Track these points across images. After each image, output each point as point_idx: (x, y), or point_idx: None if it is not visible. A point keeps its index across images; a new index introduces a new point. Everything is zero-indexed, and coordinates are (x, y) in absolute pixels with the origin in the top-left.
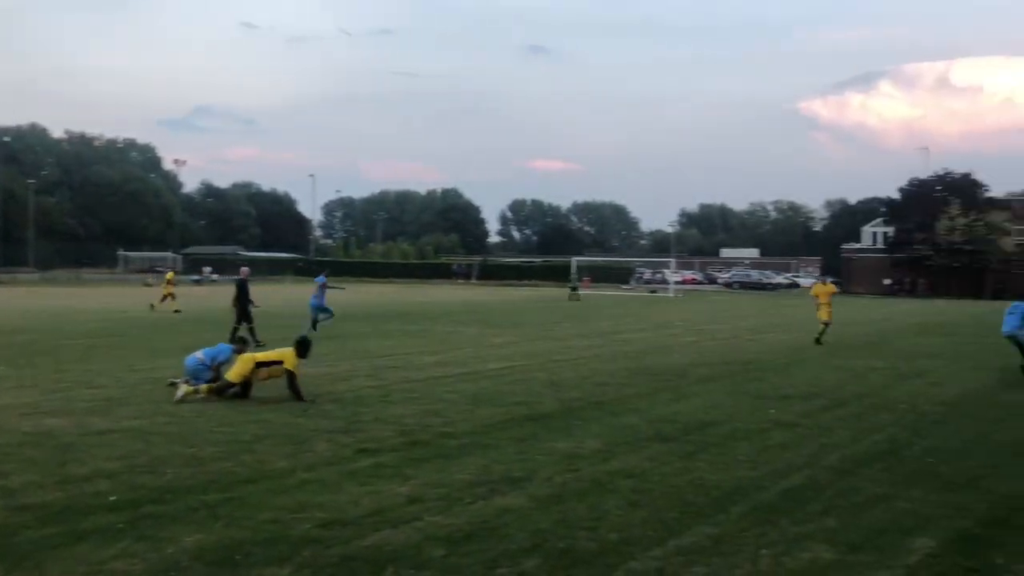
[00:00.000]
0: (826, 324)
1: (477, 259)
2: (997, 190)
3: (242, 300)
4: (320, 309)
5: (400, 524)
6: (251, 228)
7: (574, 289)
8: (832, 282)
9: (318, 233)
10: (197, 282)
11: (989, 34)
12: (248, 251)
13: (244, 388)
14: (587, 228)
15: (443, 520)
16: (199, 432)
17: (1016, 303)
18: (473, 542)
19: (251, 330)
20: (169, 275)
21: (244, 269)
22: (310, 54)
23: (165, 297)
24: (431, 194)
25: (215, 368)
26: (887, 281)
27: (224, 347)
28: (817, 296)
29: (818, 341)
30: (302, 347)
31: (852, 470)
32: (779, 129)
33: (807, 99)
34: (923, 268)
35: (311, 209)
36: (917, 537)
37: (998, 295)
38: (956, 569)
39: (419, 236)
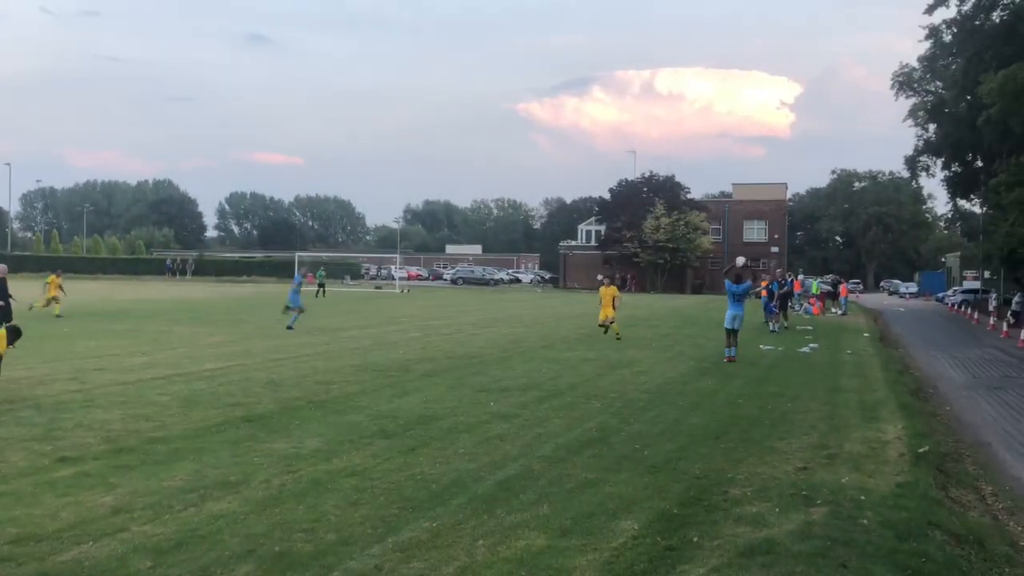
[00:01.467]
0: (611, 320)
1: (192, 254)
2: (696, 192)
3: None
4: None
5: (103, 536)
6: None
7: (321, 285)
8: (611, 283)
9: (16, 226)
10: None
11: (690, 46)
12: None
13: None
14: (311, 223)
15: (151, 530)
16: None
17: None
18: (183, 551)
19: None
20: None
21: None
22: (7, 33)
23: None
24: (142, 185)
25: None
26: (600, 277)
27: None
28: (603, 297)
29: (617, 336)
30: (13, 334)
31: (565, 458)
32: (500, 128)
33: (525, 100)
34: (632, 264)
35: (6, 199)
36: (622, 519)
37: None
38: (656, 548)
39: (129, 229)
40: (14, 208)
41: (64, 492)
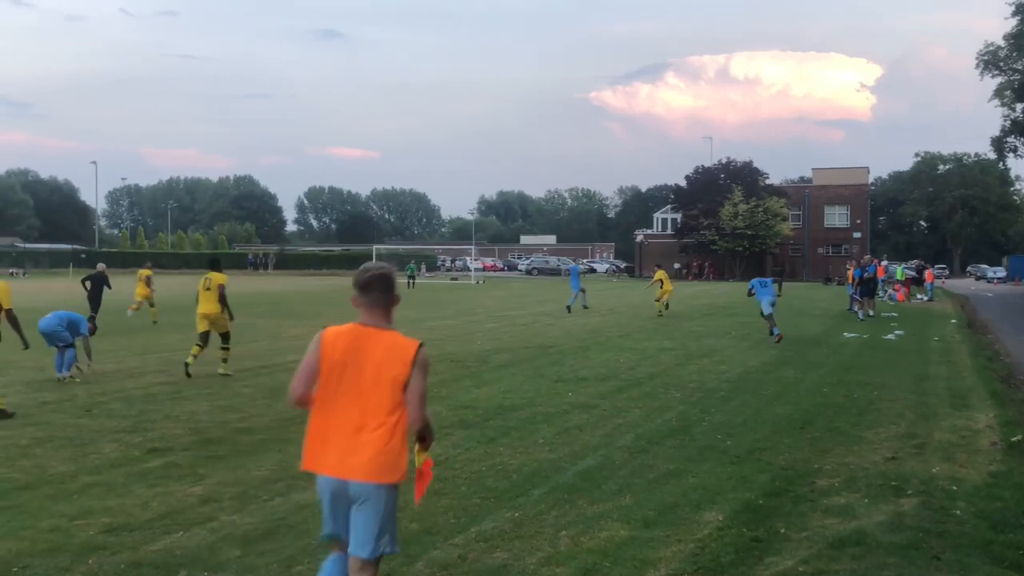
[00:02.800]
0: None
1: (273, 248)
2: (775, 177)
3: None
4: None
5: (192, 526)
6: (29, 219)
7: (411, 277)
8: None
9: (103, 223)
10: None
11: (765, 29)
12: (25, 243)
13: None
14: (387, 216)
15: (239, 519)
16: None
17: (760, 279)
18: (270, 540)
19: None
20: None
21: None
22: (88, 34)
23: None
24: (223, 182)
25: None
26: (676, 265)
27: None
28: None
29: (659, 313)
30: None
31: (645, 448)
32: (572, 117)
33: (598, 89)
34: (709, 252)
35: (94, 198)
36: (706, 511)
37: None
38: (743, 539)
39: (212, 225)
40: (101, 205)
41: (154, 483)
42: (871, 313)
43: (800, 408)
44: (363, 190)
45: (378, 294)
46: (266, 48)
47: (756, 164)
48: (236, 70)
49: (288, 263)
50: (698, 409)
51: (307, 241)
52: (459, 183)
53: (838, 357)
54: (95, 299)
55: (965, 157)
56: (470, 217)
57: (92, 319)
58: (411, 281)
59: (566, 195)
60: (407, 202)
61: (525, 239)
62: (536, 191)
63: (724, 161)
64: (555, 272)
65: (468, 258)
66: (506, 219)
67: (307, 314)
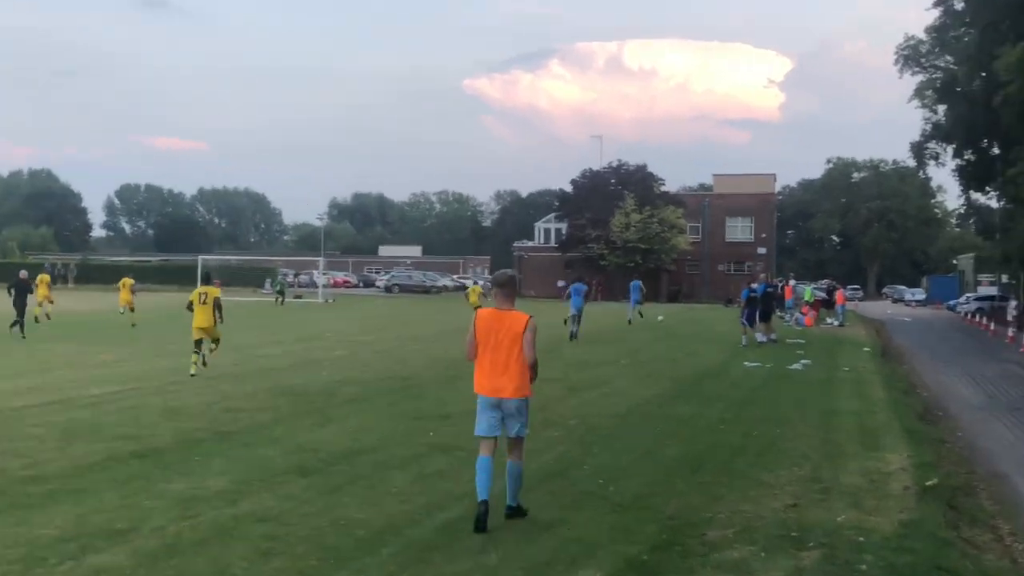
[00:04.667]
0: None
1: (75, 257)
2: (672, 183)
3: None
4: None
5: None
6: None
7: (280, 293)
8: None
9: None
10: None
11: (662, 14)
12: None
13: None
14: (217, 220)
15: None
16: None
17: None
18: None
19: None
20: None
21: None
22: None
23: None
24: (15, 177)
25: None
26: (561, 283)
27: None
28: None
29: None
30: None
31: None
32: (443, 109)
33: (472, 75)
34: (598, 268)
35: None
36: (583, 568)
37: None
38: None
39: (0, 229)
40: None
41: None
42: (774, 337)
43: (693, 448)
44: (188, 189)
45: (508, 289)
46: (73, 16)
47: (651, 168)
48: (35, 41)
49: (93, 275)
50: (579, 450)
51: (118, 249)
52: (307, 183)
53: (738, 390)
54: (19, 305)
55: (882, 164)
56: (319, 223)
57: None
58: (280, 298)
59: (434, 199)
60: (242, 204)
61: (385, 250)
62: (399, 194)
63: (615, 164)
64: (422, 290)
65: (315, 272)
66: (363, 226)
67: (118, 337)
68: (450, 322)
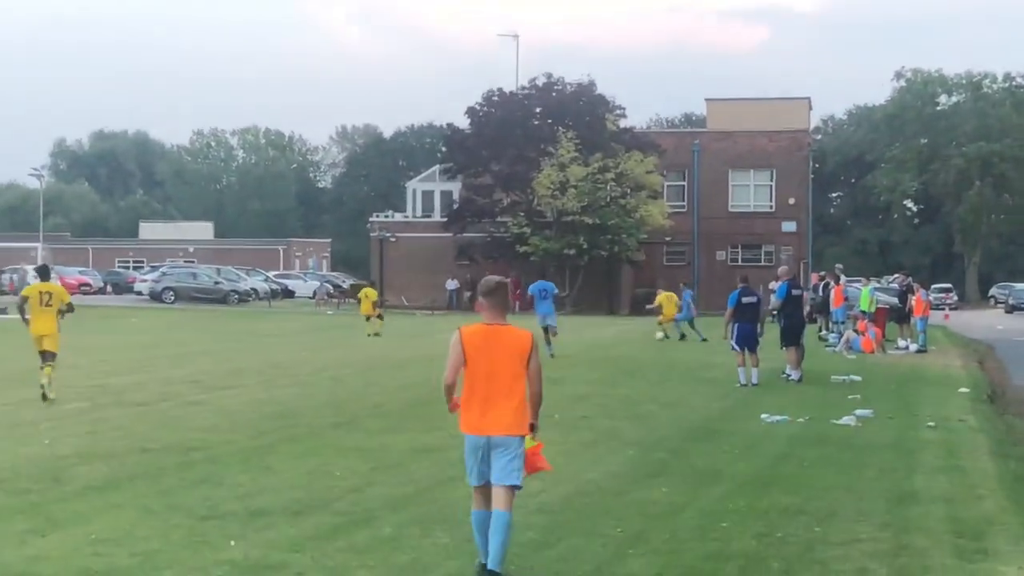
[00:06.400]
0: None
1: None
2: (637, 116)
3: None
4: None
5: None
6: None
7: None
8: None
9: None
10: None
11: None
12: None
13: None
14: None
15: None
16: None
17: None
18: None
19: None
20: None
21: None
22: None
23: None
24: None
25: None
26: (450, 283)
27: None
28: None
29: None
30: None
31: None
32: None
33: None
34: (516, 258)
35: None
36: None
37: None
38: None
39: None
40: None
41: None
42: (798, 375)
43: (675, 562)
44: None
45: (498, 298)
46: None
47: (602, 90)
48: None
49: None
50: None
51: None
52: (14, 112)
53: (750, 462)
54: None
55: (987, 81)
56: (34, 183)
57: None
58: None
59: (234, 143)
60: None
61: (150, 229)
62: (174, 134)
63: (541, 82)
64: (214, 296)
65: (28, 268)
66: (110, 190)
67: None
68: (260, 352)
